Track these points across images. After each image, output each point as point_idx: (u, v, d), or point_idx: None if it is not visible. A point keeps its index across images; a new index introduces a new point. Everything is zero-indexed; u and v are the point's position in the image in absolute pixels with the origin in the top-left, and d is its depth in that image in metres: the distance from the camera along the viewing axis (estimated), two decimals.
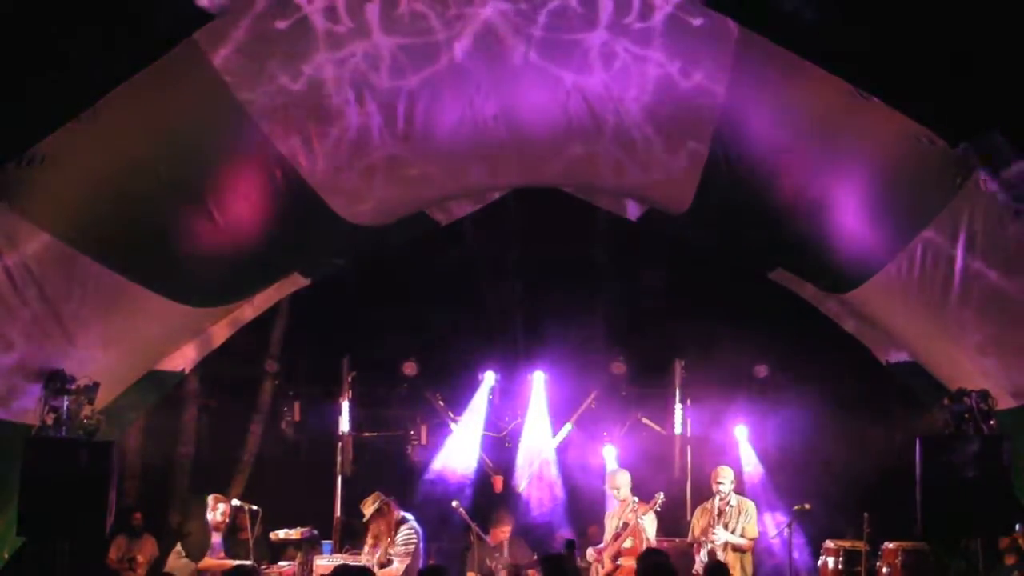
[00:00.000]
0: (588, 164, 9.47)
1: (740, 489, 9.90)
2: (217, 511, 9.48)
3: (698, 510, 9.77)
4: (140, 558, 9.43)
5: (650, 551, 8.24)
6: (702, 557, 9.37)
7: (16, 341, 7.80)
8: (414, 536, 9.12)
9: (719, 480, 9.55)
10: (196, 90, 7.40)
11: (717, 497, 9.51)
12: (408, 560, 8.97)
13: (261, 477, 11.25)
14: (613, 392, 11.27)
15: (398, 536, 9.08)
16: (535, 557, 10.20)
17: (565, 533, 10.80)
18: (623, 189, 10.34)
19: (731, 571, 8.58)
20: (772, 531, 10.26)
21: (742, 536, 9.42)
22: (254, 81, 7.51)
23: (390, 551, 9.07)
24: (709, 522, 9.46)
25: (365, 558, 9.05)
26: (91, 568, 9.13)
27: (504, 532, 10.19)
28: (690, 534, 9.72)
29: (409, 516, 9.31)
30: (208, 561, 9.28)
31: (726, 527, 9.41)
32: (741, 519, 9.46)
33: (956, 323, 8.21)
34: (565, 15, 7.42)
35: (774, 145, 8.08)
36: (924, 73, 6.73)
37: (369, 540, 9.23)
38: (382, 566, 8.99)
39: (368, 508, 9.18)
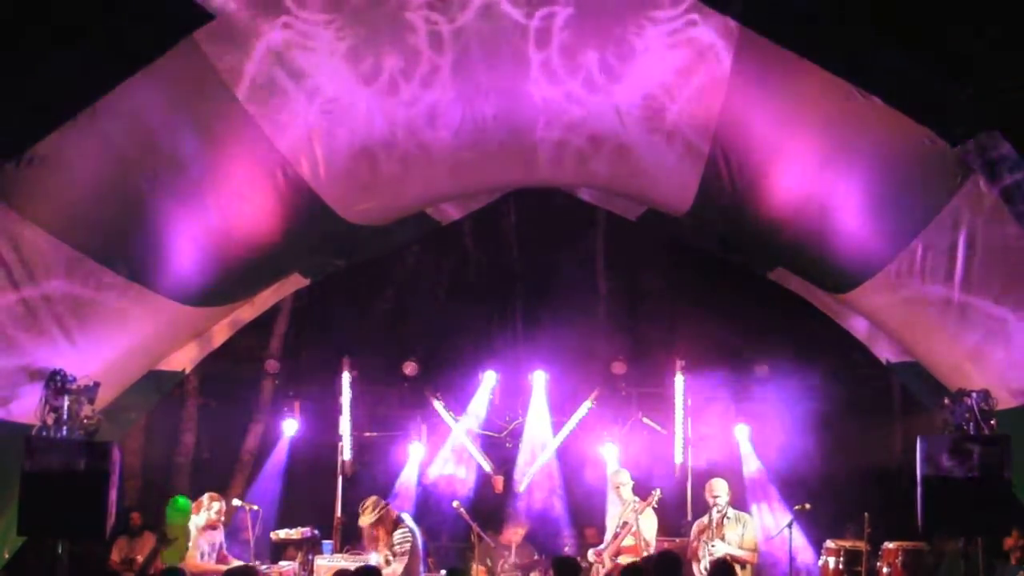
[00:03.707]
0: (589, 164, 9.48)
1: (741, 489, 9.88)
2: (212, 509, 9.38)
3: (695, 525, 9.60)
4: (140, 558, 9.42)
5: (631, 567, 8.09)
6: (701, 569, 9.26)
7: (16, 341, 7.80)
8: (409, 535, 9.13)
9: (715, 494, 9.40)
10: (196, 89, 7.41)
11: (714, 510, 9.35)
12: (405, 559, 8.98)
13: (261, 477, 11.23)
14: (613, 392, 11.27)
15: (394, 537, 9.09)
16: (537, 557, 10.22)
17: (568, 540, 10.79)
18: (623, 189, 10.35)
19: None
20: (773, 530, 10.25)
21: (741, 547, 9.28)
22: (254, 82, 7.52)
23: (387, 552, 9.09)
24: (707, 535, 9.32)
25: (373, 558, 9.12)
26: (91, 568, 9.12)
27: (518, 533, 10.21)
28: (689, 547, 9.66)
29: (404, 515, 9.33)
30: (200, 565, 9.23)
31: (724, 538, 9.30)
32: (739, 530, 9.34)
33: (956, 323, 8.21)
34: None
35: (774, 146, 8.08)
36: (924, 73, 6.73)
37: (367, 543, 9.26)
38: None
39: (368, 516, 9.16)
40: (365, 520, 9.16)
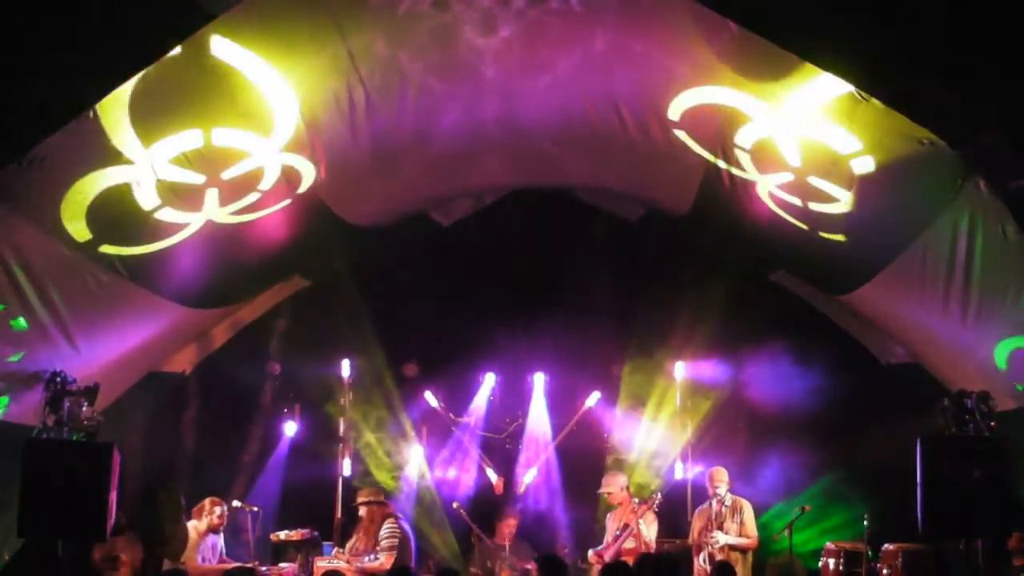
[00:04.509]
0: (590, 164, 9.48)
1: (742, 491, 9.89)
2: (214, 514, 9.45)
3: (696, 513, 9.78)
4: (123, 557, 9.39)
5: (647, 555, 8.26)
6: (701, 561, 9.36)
7: (17, 342, 7.81)
8: (397, 531, 9.22)
9: (715, 483, 9.57)
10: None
11: (714, 500, 9.52)
12: (394, 554, 9.05)
13: (261, 478, 11.22)
14: (613, 392, 11.27)
15: (381, 531, 9.18)
16: (536, 559, 10.20)
17: (567, 541, 10.79)
18: (624, 190, 10.35)
19: None
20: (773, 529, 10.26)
21: (740, 535, 9.44)
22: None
23: (375, 547, 9.17)
24: (707, 525, 9.46)
25: (348, 550, 9.19)
26: (90, 569, 9.11)
27: (510, 526, 10.24)
28: (690, 536, 9.75)
29: (398, 514, 9.44)
30: (202, 567, 9.23)
31: (722, 527, 9.41)
32: (737, 517, 9.47)
33: (957, 324, 8.21)
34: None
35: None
36: (924, 74, 6.73)
37: (359, 532, 9.36)
38: (369, 563, 9.11)
39: (361, 496, 9.47)
40: (359, 499, 9.50)
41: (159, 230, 8.08)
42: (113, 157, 7.35)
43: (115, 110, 7.04)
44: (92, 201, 7.52)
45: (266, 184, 8.30)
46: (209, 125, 7.59)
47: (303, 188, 8.63)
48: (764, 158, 8.12)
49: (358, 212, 9.68)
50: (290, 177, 8.43)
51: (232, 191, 8.18)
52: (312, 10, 7.17)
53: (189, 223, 8.18)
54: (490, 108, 8.54)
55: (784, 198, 8.40)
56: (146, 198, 7.75)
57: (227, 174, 7.98)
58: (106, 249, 7.88)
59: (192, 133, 7.55)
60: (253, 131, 7.83)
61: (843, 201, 8.05)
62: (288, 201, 8.68)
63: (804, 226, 8.62)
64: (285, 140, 8.02)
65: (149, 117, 7.20)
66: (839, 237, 8.51)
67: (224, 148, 7.79)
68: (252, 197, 8.36)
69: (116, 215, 7.72)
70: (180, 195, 7.91)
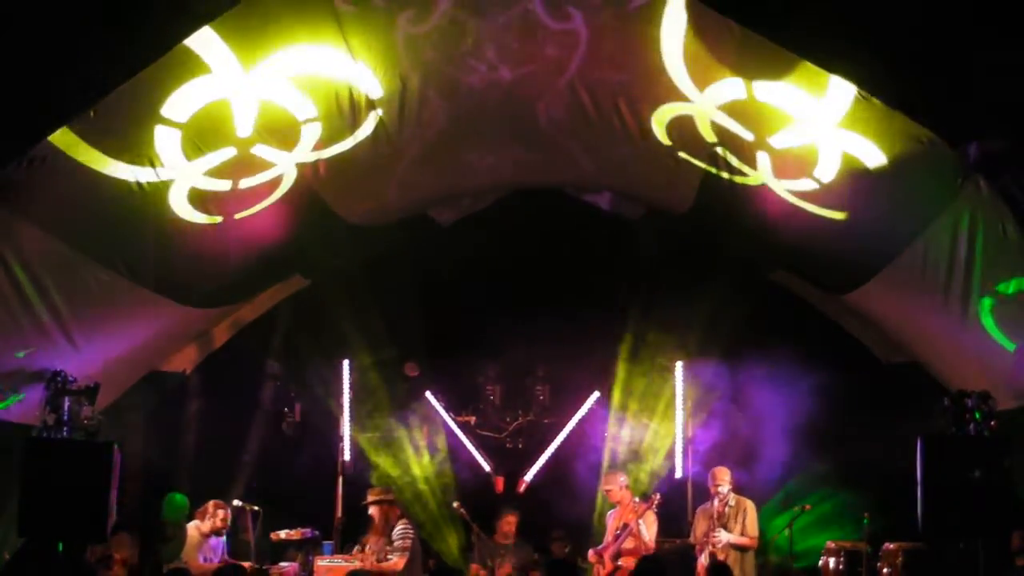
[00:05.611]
0: (590, 164, 9.48)
1: (741, 490, 9.90)
2: (217, 516, 9.47)
3: (698, 512, 9.79)
4: (118, 556, 9.41)
5: (645, 558, 8.27)
6: (703, 560, 9.39)
7: (17, 342, 7.81)
8: (410, 532, 9.24)
9: (718, 482, 9.57)
10: None
11: (716, 499, 9.53)
12: (407, 555, 9.06)
13: (262, 477, 11.23)
14: (613, 392, 11.27)
15: (394, 532, 9.20)
16: (536, 558, 10.21)
17: (567, 541, 10.78)
18: (623, 189, 10.35)
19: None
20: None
21: (743, 535, 9.45)
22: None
23: (387, 547, 9.17)
24: (710, 525, 9.48)
25: (364, 553, 9.18)
26: (85, 568, 9.12)
27: (509, 524, 10.25)
28: (692, 536, 9.76)
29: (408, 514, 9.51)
30: (203, 566, 9.24)
31: (725, 527, 9.44)
32: (740, 517, 9.49)
33: (957, 323, 8.21)
34: None
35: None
36: (924, 74, 6.74)
37: (373, 533, 9.36)
38: (380, 562, 9.10)
39: (372, 496, 9.47)
40: (369, 498, 9.51)
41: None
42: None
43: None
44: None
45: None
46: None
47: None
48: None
49: (358, 211, 9.67)
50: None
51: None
52: None
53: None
54: (491, 106, 8.53)
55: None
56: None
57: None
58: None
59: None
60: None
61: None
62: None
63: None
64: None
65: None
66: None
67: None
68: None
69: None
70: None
